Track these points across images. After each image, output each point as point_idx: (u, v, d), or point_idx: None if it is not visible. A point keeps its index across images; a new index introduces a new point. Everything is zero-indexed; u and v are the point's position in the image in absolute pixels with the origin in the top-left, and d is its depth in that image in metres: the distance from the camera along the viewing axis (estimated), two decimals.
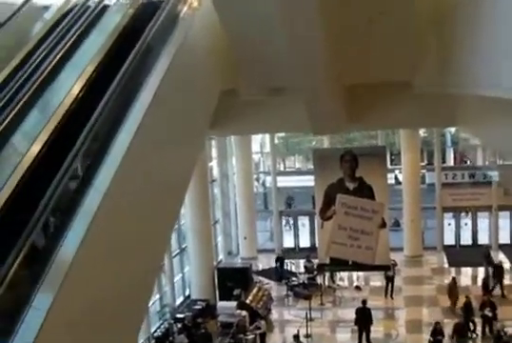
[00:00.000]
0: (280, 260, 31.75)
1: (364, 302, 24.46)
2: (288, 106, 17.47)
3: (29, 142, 7.77)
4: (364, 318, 23.84)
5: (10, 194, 6.96)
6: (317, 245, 28.16)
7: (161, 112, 9.14)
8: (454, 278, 26.95)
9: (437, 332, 22.01)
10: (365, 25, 13.55)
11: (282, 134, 45.80)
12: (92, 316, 6.97)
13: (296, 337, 22.16)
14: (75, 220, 7.05)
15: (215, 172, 34.78)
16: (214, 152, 34.80)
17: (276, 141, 39.48)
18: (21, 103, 8.43)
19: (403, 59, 14.86)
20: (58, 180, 7.28)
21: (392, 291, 28.55)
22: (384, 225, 24.10)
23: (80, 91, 8.75)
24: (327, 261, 25.13)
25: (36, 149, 7.64)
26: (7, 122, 8.07)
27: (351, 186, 23.96)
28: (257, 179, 41.12)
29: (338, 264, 24.98)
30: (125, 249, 7.88)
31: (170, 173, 9.57)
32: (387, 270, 26.51)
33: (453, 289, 26.36)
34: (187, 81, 10.38)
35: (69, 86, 8.81)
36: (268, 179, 38.83)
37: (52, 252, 6.71)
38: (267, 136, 37.81)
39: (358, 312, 24.15)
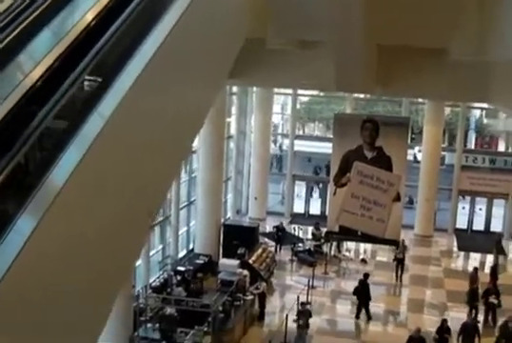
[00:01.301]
0: (279, 230, 30.69)
1: (366, 276, 23.98)
2: (316, 61, 16.88)
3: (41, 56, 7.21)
4: (363, 292, 23.37)
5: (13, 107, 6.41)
6: (327, 213, 27.76)
7: (179, 44, 8.53)
8: (476, 269, 25.71)
9: (444, 329, 20.77)
10: None
11: (304, 99, 45.20)
12: (73, 256, 6.42)
13: (302, 304, 21.60)
14: (72, 144, 6.49)
15: (232, 129, 34.25)
16: (234, 109, 34.25)
17: (298, 106, 38.86)
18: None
19: (442, 23, 14.21)
20: (59, 96, 6.70)
21: (402, 274, 27.54)
22: (398, 198, 23.63)
23: (96, 16, 8.12)
24: (336, 229, 24.80)
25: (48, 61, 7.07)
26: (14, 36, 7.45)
27: (370, 155, 23.46)
28: (274, 141, 40.63)
29: (346, 233, 24.64)
30: (121, 185, 7.32)
31: (181, 112, 8.98)
32: (396, 245, 25.96)
33: (474, 279, 24.84)
34: (212, 17, 9.74)
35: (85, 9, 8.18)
36: (286, 142, 38.28)
37: (42, 176, 6.16)
38: (289, 99, 37.19)
39: (359, 284, 23.73)
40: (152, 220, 12.73)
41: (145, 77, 7.54)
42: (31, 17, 7.67)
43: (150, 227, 23.97)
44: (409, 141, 28.34)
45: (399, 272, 27.32)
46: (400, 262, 27.39)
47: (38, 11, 7.77)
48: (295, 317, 21.17)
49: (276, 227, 30.49)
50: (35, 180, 6.15)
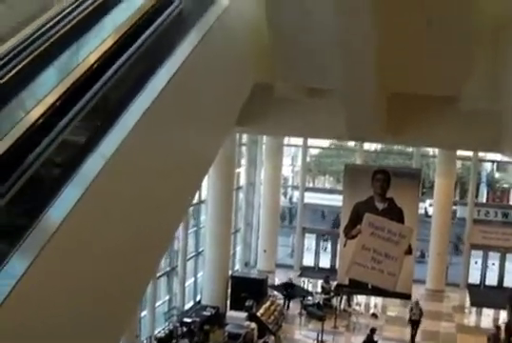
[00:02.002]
0: (288, 286, 29.61)
1: (373, 330, 23.44)
2: (325, 109, 16.71)
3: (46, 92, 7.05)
4: None
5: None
6: (337, 266, 27.35)
7: (184, 87, 8.37)
8: (498, 327, 24.54)
9: None
10: (421, 29, 12.71)
11: (314, 152, 45.12)
12: (69, 299, 6.13)
13: None
14: (71, 183, 6.26)
15: (242, 180, 34.05)
16: (244, 160, 34.13)
17: (308, 159, 38.73)
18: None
19: (454, 71, 14.04)
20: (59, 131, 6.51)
21: (414, 338, 26.11)
22: (410, 251, 23.26)
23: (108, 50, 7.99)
24: (346, 282, 24.37)
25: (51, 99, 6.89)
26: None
27: (381, 206, 23.17)
28: (284, 194, 40.39)
29: (357, 286, 24.22)
30: (119, 230, 7.05)
31: (186, 156, 8.75)
32: (408, 298, 25.37)
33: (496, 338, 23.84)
34: (220, 60, 9.62)
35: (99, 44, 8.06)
36: (296, 194, 38.02)
37: (39, 214, 5.92)
38: (300, 151, 37.04)
39: (366, 339, 23.18)
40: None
41: (149, 118, 7.35)
42: (36, 54, 7.55)
43: (157, 277, 23.68)
44: (420, 194, 28.09)
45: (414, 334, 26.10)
46: (415, 324, 26.24)
47: (43, 48, 7.65)
48: None
49: (285, 283, 29.70)
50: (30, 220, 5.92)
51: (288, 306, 28.88)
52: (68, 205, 6.10)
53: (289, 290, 29.01)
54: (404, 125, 17.16)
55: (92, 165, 6.55)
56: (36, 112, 6.77)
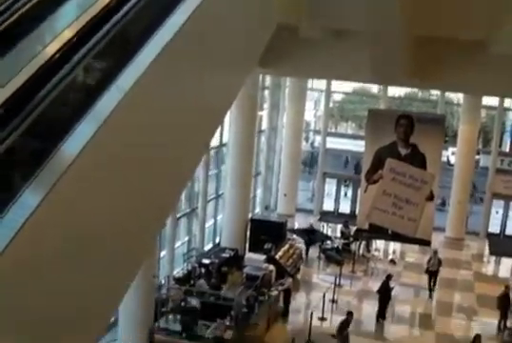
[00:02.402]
0: (310, 232, 29.64)
1: (389, 277, 23.48)
2: (351, 51, 16.38)
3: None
4: (384, 293, 22.87)
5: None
6: (357, 211, 27.28)
7: (206, 24, 8.11)
8: (508, 287, 23.30)
9: None
10: None
11: (337, 98, 44.77)
12: (81, 235, 6.01)
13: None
14: (86, 118, 6.11)
15: (264, 124, 33.86)
16: (266, 104, 33.91)
17: (331, 105, 38.41)
18: None
19: (483, 14, 13.66)
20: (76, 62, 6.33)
21: (434, 287, 25.66)
22: (431, 198, 23.07)
23: None
24: (366, 227, 24.28)
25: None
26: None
27: (403, 151, 22.94)
28: (306, 139, 40.22)
29: (377, 231, 24.11)
30: (136, 165, 6.91)
31: (205, 95, 8.53)
32: (427, 245, 25.21)
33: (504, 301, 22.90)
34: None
35: None
36: (318, 139, 37.82)
37: (52, 149, 5.78)
38: (323, 96, 36.71)
39: (381, 285, 23.22)
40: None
41: (168, 54, 7.15)
42: None
43: (177, 218, 23.75)
44: (443, 142, 27.78)
45: (431, 284, 25.66)
46: (432, 275, 25.72)
47: None
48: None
49: (306, 229, 29.70)
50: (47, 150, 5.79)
51: (307, 252, 28.87)
52: (84, 138, 5.95)
53: (311, 236, 29.06)
54: (431, 69, 16.83)
55: (109, 99, 6.38)
56: (53, 47, 6.57)
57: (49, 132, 6.22)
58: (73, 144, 5.86)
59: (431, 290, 25.47)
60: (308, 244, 28.85)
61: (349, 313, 20.38)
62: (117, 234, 6.69)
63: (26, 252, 5.15)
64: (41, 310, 5.54)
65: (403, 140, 22.83)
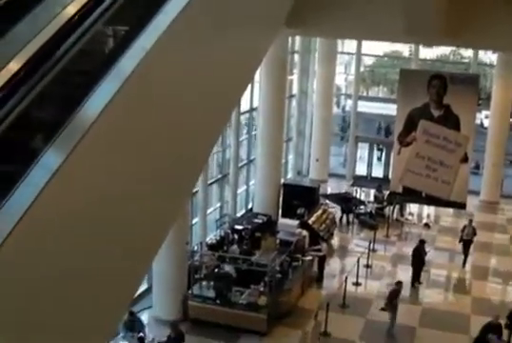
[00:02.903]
0: (346, 199, 29.37)
1: (422, 242, 23.09)
2: (383, 9, 15.92)
3: None
4: (418, 258, 22.59)
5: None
6: (390, 176, 26.97)
7: None
8: None
9: None
10: None
11: (368, 62, 44.18)
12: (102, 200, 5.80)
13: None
14: (109, 75, 5.87)
15: (294, 88, 33.49)
16: (296, 68, 33.52)
17: (362, 69, 37.86)
18: None
19: None
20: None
21: (466, 259, 24.65)
22: (465, 160, 22.71)
23: None
24: (399, 190, 23.98)
25: None
26: None
27: (436, 113, 22.53)
28: (337, 104, 39.80)
29: (410, 194, 23.78)
30: (161, 128, 6.67)
31: (230, 55, 8.22)
32: (462, 208, 24.87)
33: None
34: None
35: None
36: (349, 103, 37.38)
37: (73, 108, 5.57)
38: (354, 60, 36.14)
39: (414, 250, 22.89)
40: None
41: (190, 11, 6.87)
42: None
43: (208, 184, 23.60)
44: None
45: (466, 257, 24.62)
46: (466, 244, 24.68)
47: None
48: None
49: (343, 197, 29.16)
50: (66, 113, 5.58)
51: (348, 220, 28.50)
52: (106, 97, 5.72)
53: (347, 203, 28.67)
54: (465, 27, 16.30)
55: (131, 58, 6.14)
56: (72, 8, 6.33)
57: (70, 91, 6.06)
58: (95, 103, 5.66)
59: (466, 258, 24.62)
60: (345, 212, 28.47)
61: (398, 283, 19.78)
62: (145, 196, 6.49)
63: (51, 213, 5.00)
64: (67, 272, 5.38)
65: (436, 101, 22.41)
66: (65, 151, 5.17)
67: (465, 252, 24.59)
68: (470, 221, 25.04)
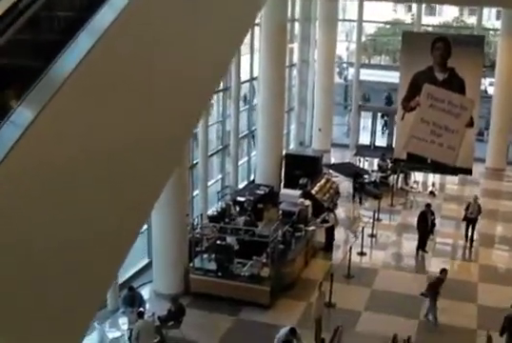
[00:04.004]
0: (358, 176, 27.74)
1: (428, 206, 22.60)
2: None
3: None
4: (423, 223, 22.10)
5: None
6: (393, 145, 26.44)
7: None
8: None
9: None
10: None
11: (370, 31, 43.54)
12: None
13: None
14: (81, 34, 5.46)
15: (295, 57, 32.87)
16: (297, 37, 32.91)
17: (363, 38, 37.19)
18: None
19: None
20: None
21: (472, 235, 23.17)
22: (471, 124, 22.19)
23: None
24: (404, 157, 23.47)
25: None
26: None
27: (441, 76, 22.03)
28: (339, 73, 39.19)
29: (415, 161, 23.28)
30: (138, 84, 6.21)
31: (219, 18, 7.71)
32: (469, 174, 24.32)
33: None
34: None
35: None
36: (351, 72, 36.72)
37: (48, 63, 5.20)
38: (355, 29, 35.42)
39: (420, 215, 22.41)
40: None
41: None
42: None
43: (208, 156, 23.13)
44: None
45: (469, 233, 23.18)
46: (471, 222, 23.25)
47: None
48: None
49: (355, 175, 27.64)
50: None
51: (361, 199, 27.09)
52: (81, 53, 5.34)
53: (360, 179, 27.32)
54: None
55: (106, 13, 5.71)
56: None
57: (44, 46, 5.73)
58: (70, 58, 5.31)
59: (471, 239, 23.12)
60: (357, 190, 27.20)
61: (443, 271, 18.05)
62: (128, 152, 6.06)
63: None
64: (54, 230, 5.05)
65: (440, 64, 21.88)
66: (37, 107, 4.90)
67: (468, 232, 23.18)
68: (475, 198, 23.60)
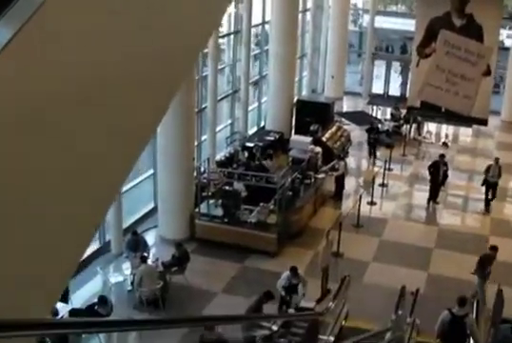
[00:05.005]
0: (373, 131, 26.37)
1: (442, 156, 22.04)
2: None
3: None
4: (437, 173, 21.56)
5: None
6: (407, 94, 25.80)
7: None
8: None
9: None
10: None
11: None
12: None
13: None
14: None
15: (309, 1, 32.00)
16: None
17: None
18: None
19: None
20: None
21: (490, 202, 21.63)
22: (488, 73, 21.55)
23: None
24: (418, 105, 22.84)
25: None
26: None
27: (458, 22, 21.27)
28: (354, 21, 38.28)
29: (429, 109, 22.66)
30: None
31: None
32: (484, 124, 23.64)
33: None
34: None
35: None
36: (366, 19, 35.83)
37: None
38: None
39: (432, 165, 21.89)
40: None
41: None
42: None
43: (217, 100, 22.54)
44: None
45: (489, 198, 21.61)
46: (491, 187, 21.53)
47: None
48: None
49: (369, 129, 26.29)
50: None
51: (375, 154, 25.84)
52: None
53: (373, 134, 25.98)
54: None
55: None
56: None
57: None
58: None
59: (488, 203, 21.61)
60: (373, 146, 25.97)
61: (493, 248, 16.26)
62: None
63: None
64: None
65: (459, 10, 21.10)
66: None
67: (488, 197, 21.61)
68: (497, 160, 21.64)
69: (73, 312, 13.36)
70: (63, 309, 13.53)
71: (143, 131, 6.18)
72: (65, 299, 14.11)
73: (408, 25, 29.02)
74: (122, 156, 5.72)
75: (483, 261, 15.95)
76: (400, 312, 13.01)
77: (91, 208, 5.13)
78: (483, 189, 21.76)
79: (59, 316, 13.26)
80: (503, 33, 35.12)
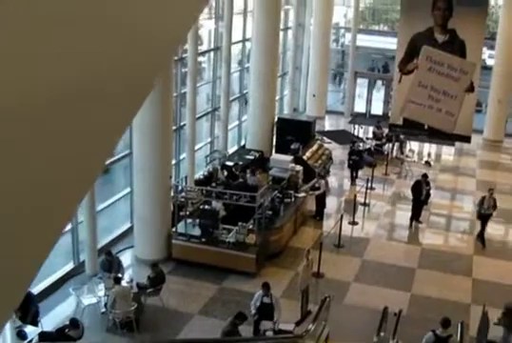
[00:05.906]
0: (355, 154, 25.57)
1: (425, 176, 21.69)
2: None
3: None
4: (419, 193, 21.24)
5: None
6: (389, 113, 25.54)
7: None
8: None
9: None
10: None
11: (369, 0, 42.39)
12: None
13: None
14: None
15: (291, 20, 31.81)
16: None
17: (362, 6, 36.04)
18: None
19: None
20: None
21: (483, 234, 20.47)
22: (472, 89, 21.21)
23: None
24: (400, 122, 22.51)
25: None
26: None
27: (441, 38, 21.03)
28: (336, 40, 38.12)
29: (411, 127, 22.33)
30: None
31: None
32: (467, 141, 23.32)
33: None
34: None
35: None
36: (348, 37, 35.64)
37: None
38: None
39: (415, 184, 21.55)
40: None
41: None
42: None
43: (196, 118, 22.15)
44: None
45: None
46: (484, 219, 20.47)
47: None
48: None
49: (350, 152, 25.46)
50: None
51: (357, 175, 25.09)
52: None
53: (355, 157, 25.16)
54: None
55: None
56: None
57: None
58: None
59: (483, 238, 20.39)
60: (354, 168, 25.22)
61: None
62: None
63: None
64: None
65: (441, 25, 20.86)
66: None
67: (484, 227, 20.52)
68: (491, 191, 20.65)
69: (43, 336, 12.90)
70: (32, 332, 13.07)
71: (96, 155, 5.68)
72: (34, 322, 13.64)
73: (390, 43, 28.80)
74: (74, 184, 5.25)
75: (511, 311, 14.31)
76: (382, 334, 12.67)
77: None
78: (479, 222, 20.74)
79: (27, 340, 12.81)
80: (486, 53, 35.05)
